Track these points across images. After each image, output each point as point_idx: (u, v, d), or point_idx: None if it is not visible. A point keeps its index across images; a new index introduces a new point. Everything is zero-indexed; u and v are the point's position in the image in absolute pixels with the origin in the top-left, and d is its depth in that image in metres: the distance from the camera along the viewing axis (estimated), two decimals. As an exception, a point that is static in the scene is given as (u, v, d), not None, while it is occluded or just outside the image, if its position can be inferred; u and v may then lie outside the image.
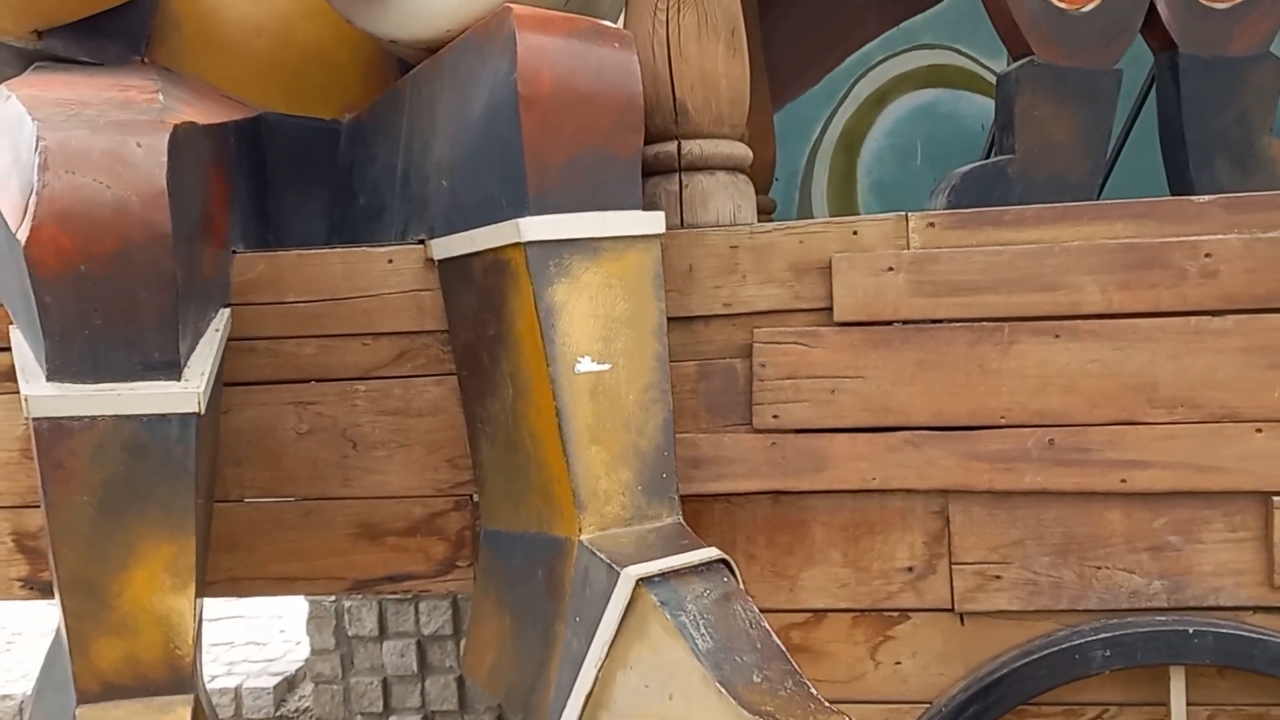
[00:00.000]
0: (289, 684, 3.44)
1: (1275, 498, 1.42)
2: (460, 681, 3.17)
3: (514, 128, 1.34)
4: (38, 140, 1.22)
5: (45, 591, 1.61)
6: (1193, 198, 1.47)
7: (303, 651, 3.53)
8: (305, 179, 1.88)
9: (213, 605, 4.41)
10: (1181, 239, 1.44)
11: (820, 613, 1.54)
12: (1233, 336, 1.42)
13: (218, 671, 3.56)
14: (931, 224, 1.50)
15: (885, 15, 2.60)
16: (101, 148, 1.23)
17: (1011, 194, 1.71)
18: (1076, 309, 1.45)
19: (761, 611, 1.32)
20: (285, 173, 1.87)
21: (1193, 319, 1.43)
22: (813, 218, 2.70)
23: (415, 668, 3.17)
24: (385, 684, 3.20)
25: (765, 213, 2.56)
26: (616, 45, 1.41)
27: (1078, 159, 1.74)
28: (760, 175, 2.54)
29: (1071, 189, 1.73)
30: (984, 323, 1.47)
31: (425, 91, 1.59)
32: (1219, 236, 1.43)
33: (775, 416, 1.52)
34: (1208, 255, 1.43)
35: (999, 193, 1.71)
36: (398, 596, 3.18)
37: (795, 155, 2.69)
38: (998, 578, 1.49)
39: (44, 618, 4.01)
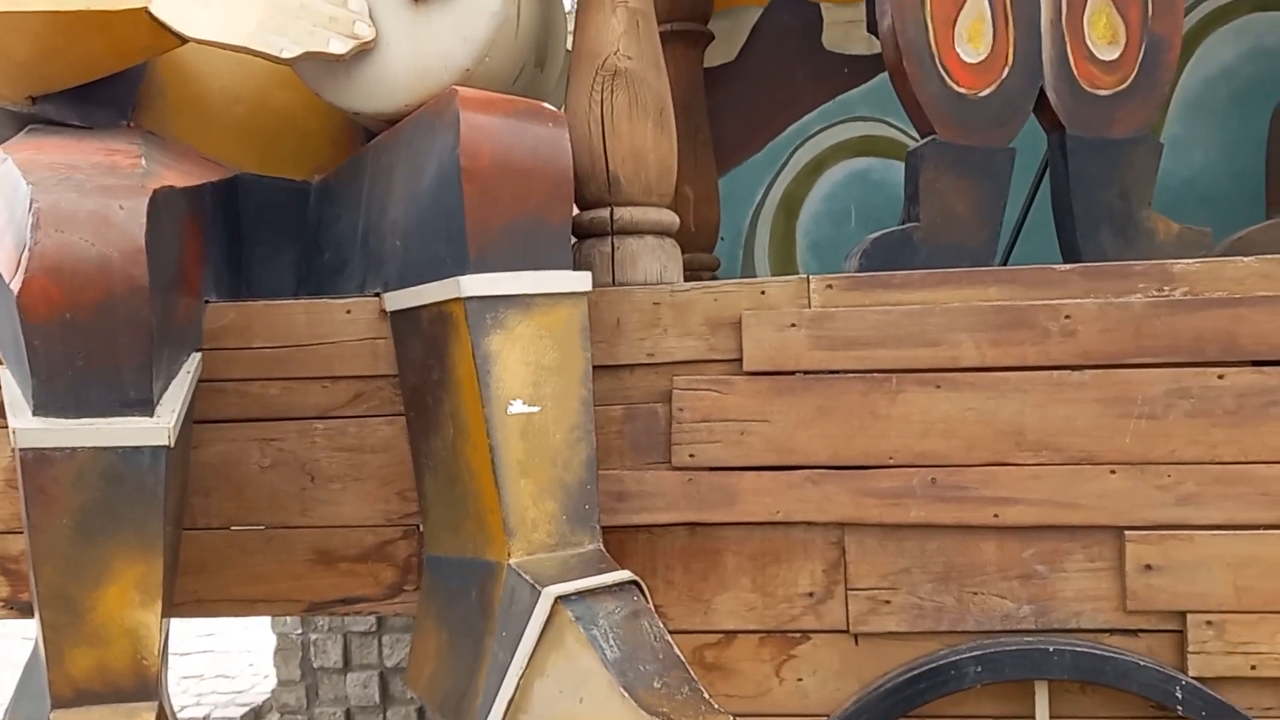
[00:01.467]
0: (256, 715, 3.56)
1: (1127, 531, 1.59)
2: (421, 712, 3.29)
3: (457, 197, 1.51)
4: (31, 202, 1.39)
5: (25, 611, 1.75)
6: (1055, 266, 1.65)
7: (270, 684, 3.65)
8: (277, 234, 2.03)
9: (185, 639, 4.50)
10: (1045, 302, 1.62)
11: (731, 634, 1.70)
12: (1089, 389, 1.60)
13: (187, 703, 3.67)
14: (829, 286, 1.68)
15: (821, 90, 2.81)
16: (88, 209, 1.40)
17: (917, 258, 1.89)
18: (955, 363, 1.63)
19: (678, 632, 1.48)
20: (258, 228, 2.02)
21: (1055, 373, 1.61)
22: (755, 275, 2.90)
23: (378, 699, 3.29)
24: (349, 715, 3.31)
25: (710, 269, 2.74)
26: (551, 124, 1.59)
27: (975, 228, 1.91)
28: (706, 235, 2.73)
29: (970, 254, 1.90)
30: (875, 374, 1.65)
31: (384, 160, 1.77)
32: (1077, 301, 1.62)
33: (692, 455, 1.69)
34: (1067, 317, 1.62)
35: (906, 257, 1.89)
36: (362, 630, 3.31)
37: (740, 217, 2.87)
38: (888, 602, 1.65)
39: (17, 649, 4.11)
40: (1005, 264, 2.39)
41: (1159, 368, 1.60)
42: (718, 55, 2.82)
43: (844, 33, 2.78)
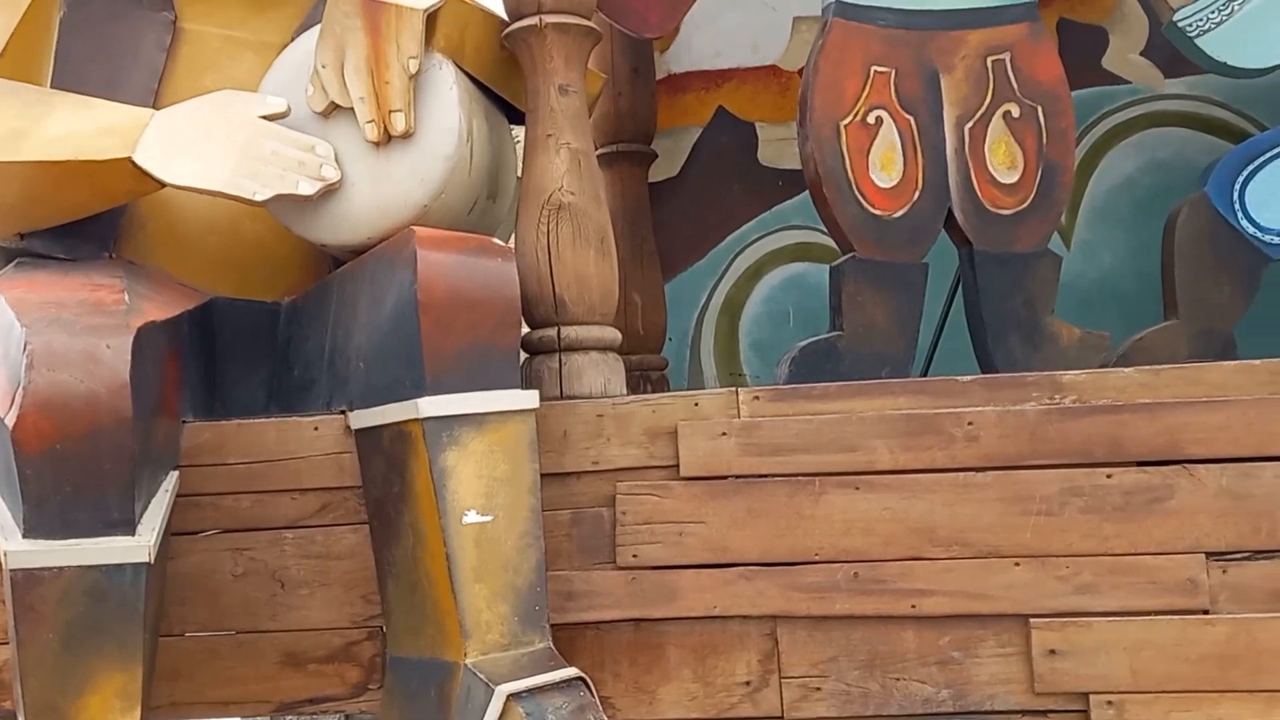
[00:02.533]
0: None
1: (1032, 619, 1.73)
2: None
3: (415, 327, 1.66)
4: (26, 344, 1.52)
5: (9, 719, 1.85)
6: (958, 378, 1.82)
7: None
8: (250, 353, 2.15)
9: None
10: (950, 410, 1.79)
11: (675, 723, 1.83)
12: (992, 489, 1.76)
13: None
14: (757, 397, 1.85)
15: (758, 202, 3.00)
16: (78, 349, 1.53)
17: (841, 365, 2.06)
18: (871, 466, 1.79)
19: (626, 722, 1.61)
20: (232, 348, 2.14)
21: (961, 474, 1.77)
22: (701, 373, 3.07)
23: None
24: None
25: (659, 369, 2.91)
26: (499, 259, 1.75)
27: (894, 336, 2.08)
28: (654, 338, 2.90)
29: (890, 360, 2.07)
30: (799, 477, 1.80)
31: (349, 289, 1.92)
32: (978, 409, 1.79)
33: (635, 556, 1.83)
34: (970, 423, 1.79)
35: (830, 364, 2.06)
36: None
37: (686, 319, 3.05)
38: (818, 689, 1.79)
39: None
40: (929, 366, 2.57)
41: (1053, 469, 1.76)
42: (661, 172, 3.02)
43: (777, 150, 2.99)
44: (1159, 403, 1.76)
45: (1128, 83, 2.88)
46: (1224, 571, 1.71)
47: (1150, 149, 2.86)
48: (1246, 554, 1.72)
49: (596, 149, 2.85)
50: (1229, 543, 1.72)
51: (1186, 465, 1.74)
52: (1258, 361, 1.79)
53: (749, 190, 3.01)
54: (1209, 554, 1.72)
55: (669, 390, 2.89)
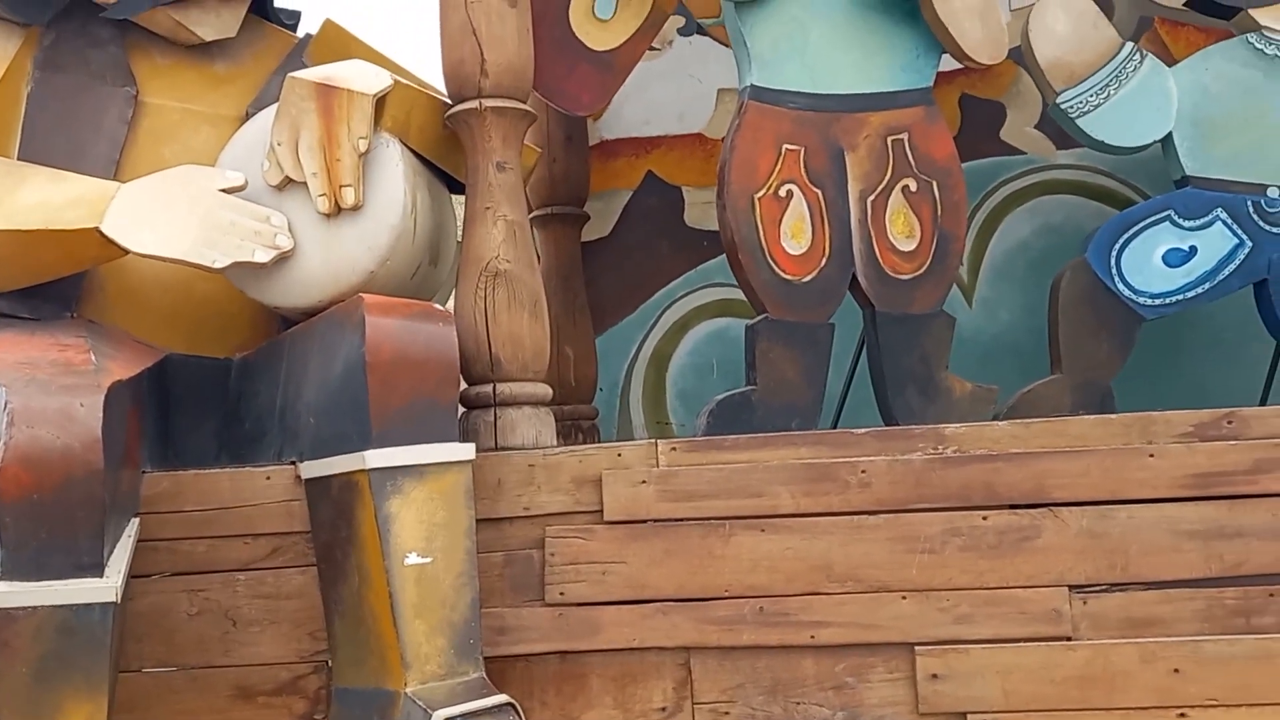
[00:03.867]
0: None
1: (916, 647, 1.93)
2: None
3: (362, 385, 1.83)
4: (6, 403, 1.67)
5: (-20, 747, 1.96)
6: (852, 430, 2.03)
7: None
8: (201, 406, 2.27)
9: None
10: (845, 460, 1.99)
11: (598, 746, 2.00)
12: (882, 530, 1.96)
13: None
14: (674, 448, 2.04)
15: (684, 260, 3.18)
16: (54, 407, 1.68)
17: (755, 416, 2.24)
18: (775, 510, 1.98)
19: (553, 747, 1.77)
20: (185, 401, 2.26)
21: (855, 517, 1.97)
22: (631, 421, 3.25)
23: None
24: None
25: (589, 418, 3.08)
26: (440, 323, 1.93)
27: (803, 390, 2.27)
28: (585, 388, 3.08)
29: (799, 412, 2.26)
30: (711, 521, 1.99)
31: (300, 348, 2.07)
32: (871, 458, 1.99)
33: (562, 593, 2.00)
34: (863, 471, 1.99)
35: (745, 415, 2.24)
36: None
37: (616, 370, 3.22)
38: (727, 713, 1.96)
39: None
40: (840, 415, 2.77)
41: (936, 511, 1.97)
42: (594, 231, 3.21)
43: (703, 212, 3.19)
44: (1028, 452, 1.98)
45: (1023, 153, 3.13)
46: (1084, 603, 1.93)
47: (1044, 214, 3.11)
48: (1104, 587, 1.94)
49: (533, 211, 3.06)
50: (1088, 577, 1.94)
51: (1052, 508, 1.96)
52: (1114, 416, 2.02)
53: (676, 249, 3.21)
54: (1071, 587, 1.93)
55: (599, 438, 3.08)
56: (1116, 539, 1.93)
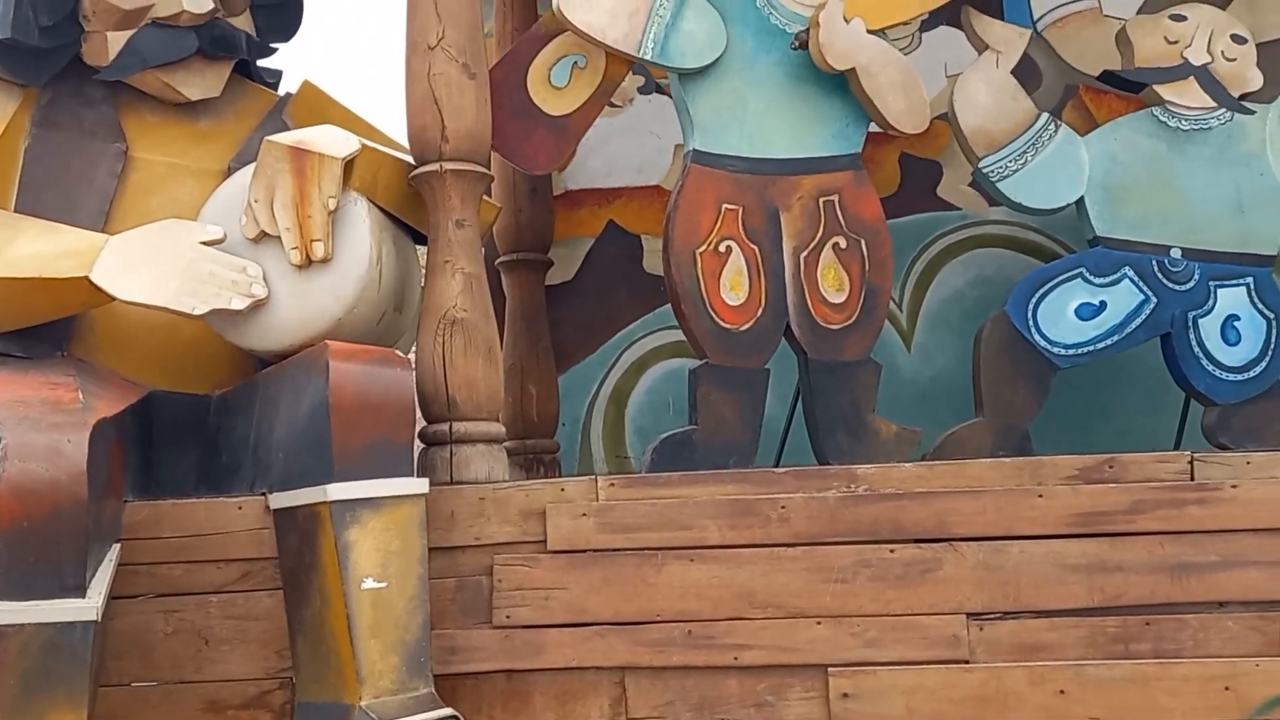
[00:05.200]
0: None
1: (830, 668, 2.10)
2: None
3: (327, 425, 2.00)
4: (1, 439, 1.86)
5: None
6: (773, 470, 2.22)
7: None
8: (181, 440, 2.43)
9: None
10: (767, 496, 2.18)
11: (539, 758, 2.17)
12: (800, 561, 2.14)
13: None
14: (613, 484, 2.22)
15: (642, 304, 3.36)
16: (44, 443, 1.85)
17: (696, 455, 2.41)
18: (703, 542, 2.16)
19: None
20: (166, 435, 2.42)
21: (775, 549, 2.14)
22: (591, 456, 3.43)
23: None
24: None
25: (551, 452, 3.27)
26: (399, 369, 2.11)
27: (741, 430, 2.44)
28: (547, 424, 3.26)
29: (736, 451, 2.43)
30: (645, 551, 2.16)
31: (272, 389, 2.24)
32: (790, 495, 2.18)
33: (508, 617, 2.17)
34: (783, 507, 2.17)
35: (686, 453, 2.41)
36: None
37: (578, 407, 3.39)
38: (658, 729, 2.15)
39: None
40: (780, 455, 2.95)
41: (848, 545, 2.15)
42: (558, 276, 3.41)
43: (660, 259, 3.39)
44: (932, 491, 2.17)
45: (958, 209, 3.34)
46: (980, 629, 2.12)
47: (977, 266, 3.31)
48: (998, 614, 2.13)
49: (500, 256, 3.26)
50: (984, 605, 2.13)
51: (952, 542, 2.15)
52: (1007, 460, 2.22)
53: (635, 294, 3.40)
54: (969, 614, 2.12)
55: (561, 471, 3.27)
56: (1009, 571, 2.12)
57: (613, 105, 3.31)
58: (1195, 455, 2.22)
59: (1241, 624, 2.10)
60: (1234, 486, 2.16)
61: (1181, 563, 2.12)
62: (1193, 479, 2.18)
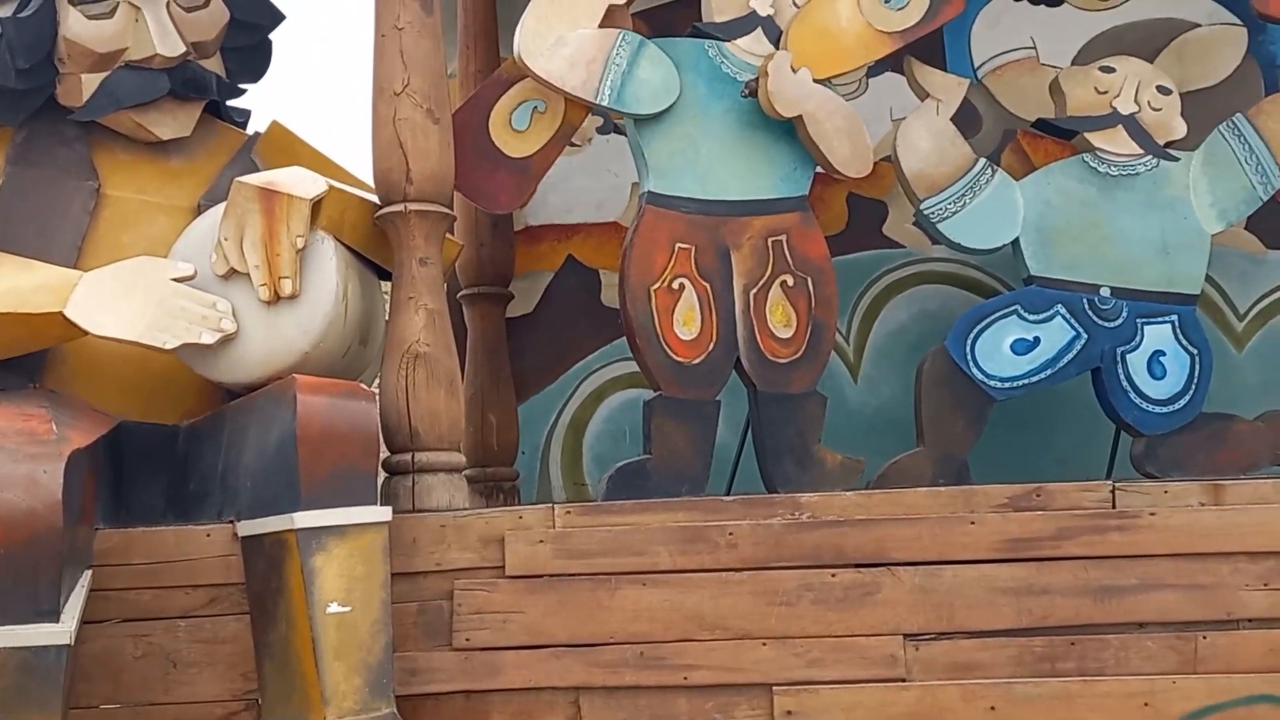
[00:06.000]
0: None
1: (774, 687, 2.20)
2: None
3: (294, 455, 2.08)
4: (-22, 470, 1.93)
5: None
6: (721, 498, 2.33)
7: None
8: (151, 468, 2.50)
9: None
10: (716, 523, 2.28)
11: (497, 776, 2.25)
12: (746, 585, 2.25)
13: None
14: (569, 512, 2.32)
15: (600, 336, 3.45)
16: (21, 474, 1.93)
17: (649, 483, 2.50)
18: (655, 567, 2.25)
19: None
20: (137, 463, 2.49)
21: (723, 574, 2.24)
22: (550, 483, 3.53)
23: None
24: None
25: (511, 480, 3.36)
26: (364, 401, 2.20)
27: (693, 459, 2.53)
28: (507, 452, 3.35)
29: (689, 480, 2.52)
30: (600, 576, 2.25)
31: (241, 419, 2.32)
32: (737, 522, 2.28)
33: (468, 639, 2.26)
34: (731, 534, 2.28)
35: (640, 481, 2.50)
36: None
37: (537, 436, 3.48)
38: (611, 746, 2.25)
39: None
40: (732, 482, 3.06)
41: (792, 569, 2.26)
42: (518, 308, 3.50)
43: (617, 293, 3.50)
44: (871, 519, 2.29)
45: (903, 247, 3.47)
46: (916, 649, 2.23)
47: (921, 301, 3.44)
48: (933, 635, 2.25)
49: (462, 289, 3.36)
50: (920, 626, 2.24)
51: (890, 567, 2.26)
52: (943, 489, 2.34)
53: (593, 326, 3.50)
54: (905, 635, 2.24)
55: (520, 498, 3.36)
56: (943, 594, 2.24)
57: (573, 145, 3.40)
58: (1117, 484, 2.35)
59: (1160, 644, 2.23)
60: (1152, 514, 2.29)
61: (1104, 586, 2.25)
62: (1114, 507, 2.32)
